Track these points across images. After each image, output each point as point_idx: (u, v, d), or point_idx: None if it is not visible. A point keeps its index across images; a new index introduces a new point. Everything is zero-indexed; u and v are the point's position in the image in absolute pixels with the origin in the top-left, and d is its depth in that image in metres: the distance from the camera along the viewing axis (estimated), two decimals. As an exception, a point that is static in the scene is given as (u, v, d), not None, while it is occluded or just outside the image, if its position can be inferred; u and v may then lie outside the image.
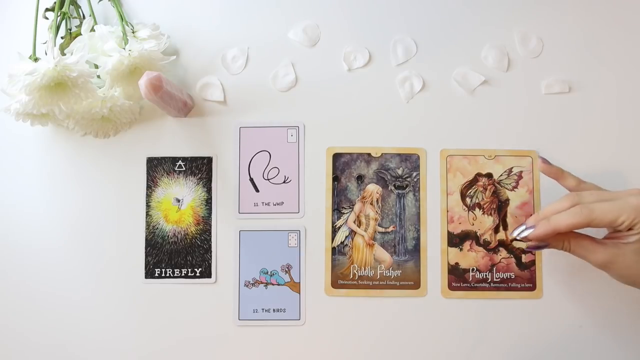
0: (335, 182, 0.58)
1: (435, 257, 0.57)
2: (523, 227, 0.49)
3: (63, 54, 0.55)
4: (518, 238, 0.49)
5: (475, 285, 0.57)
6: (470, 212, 0.58)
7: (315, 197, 0.58)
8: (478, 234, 0.57)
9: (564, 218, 0.47)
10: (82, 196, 0.59)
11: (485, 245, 0.57)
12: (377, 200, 0.58)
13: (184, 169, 0.59)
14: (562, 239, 0.49)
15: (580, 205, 0.47)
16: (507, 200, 0.58)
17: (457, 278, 0.57)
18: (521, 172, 0.58)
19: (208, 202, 0.58)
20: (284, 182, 0.58)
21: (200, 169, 0.59)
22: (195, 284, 0.57)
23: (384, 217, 0.58)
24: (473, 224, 0.58)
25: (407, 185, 0.58)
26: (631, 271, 0.48)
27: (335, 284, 0.57)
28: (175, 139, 0.59)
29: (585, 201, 0.47)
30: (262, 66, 0.60)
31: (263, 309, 0.57)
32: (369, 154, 0.59)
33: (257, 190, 0.58)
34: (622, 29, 0.60)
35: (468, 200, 0.58)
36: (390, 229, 0.58)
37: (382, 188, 0.58)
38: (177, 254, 0.58)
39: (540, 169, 0.53)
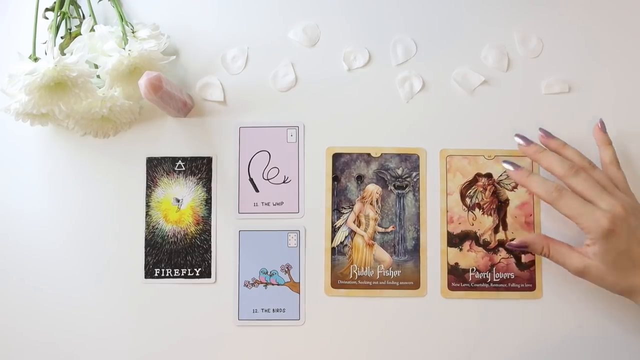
0: (335, 182, 0.58)
1: (435, 257, 0.57)
2: (510, 166, 0.52)
3: (63, 54, 0.55)
4: (505, 166, 0.53)
5: (475, 285, 0.57)
6: (470, 212, 0.58)
7: (315, 197, 0.58)
8: (478, 234, 0.57)
9: (536, 186, 0.50)
10: (82, 196, 0.59)
11: (485, 245, 0.57)
12: (377, 200, 0.58)
13: (184, 169, 0.59)
14: (542, 244, 0.51)
15: (556, 187, 0.49)
16: (507, 200, 0.58)
17: (457, 278, 0.57)
18: (521, 172, 0.58)
19: (208, 202, 0.58)
20: (283, 182, 0.58)
21: (200, 169, 0.59)
22: (195, 284, 0.57)
23: (384, 217, 0.58)
24: (473, 224, 0.58)
25: (406, 185, 0.58)
26: (606, 282, 0.49)
27: (335, 284, 0.57)
28: (175, 139, 0.59)
29: (572, 183, 0.49)
30: (262, 66, 0.60)
31: (263, 309, 0.57)
32: (368, 154, 0.59)
33: (257, 190, 0.58)
34: (623, 29, 0.60)
35: (468, 200, 0.58)
36: (390, 229, 0.58)
37: (382, 188, 0.58)
38: (177, 254, 0.58)
39: (595, 130, 0.55)
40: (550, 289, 0.57)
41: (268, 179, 0.59)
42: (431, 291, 0.57)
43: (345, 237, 0.58)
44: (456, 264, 0.57)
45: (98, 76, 0.55)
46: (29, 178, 0.59)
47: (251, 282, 0.57)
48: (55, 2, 0.58)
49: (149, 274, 0.58)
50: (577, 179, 0.49)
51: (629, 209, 0.48)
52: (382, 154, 0.59)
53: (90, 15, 0.57)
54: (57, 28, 0.57)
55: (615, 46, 0.60)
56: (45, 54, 0.53)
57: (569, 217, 0.49)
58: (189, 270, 0.57)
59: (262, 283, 0.57)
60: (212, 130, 0.59)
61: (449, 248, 0.57)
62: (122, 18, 0.56)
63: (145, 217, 0.58)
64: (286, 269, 0.57)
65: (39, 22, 0.56)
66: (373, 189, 0.58)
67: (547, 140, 0.54)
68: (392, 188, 0.58)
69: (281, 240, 0.58)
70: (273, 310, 0.57)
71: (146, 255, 0.58)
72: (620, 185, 0.52)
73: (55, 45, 0.54)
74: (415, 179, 0.58)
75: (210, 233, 0.58)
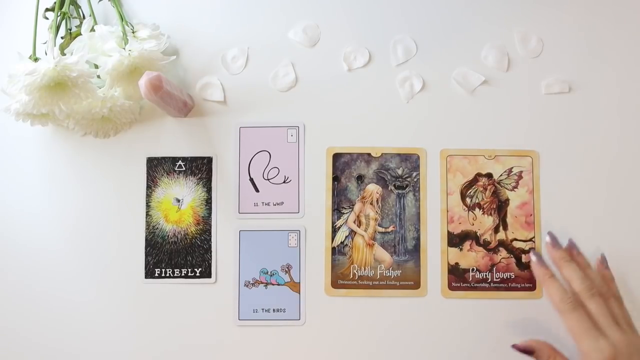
0: (335, 182, 0.58)
1: (435, 257, 0.57)
2: (535, 258, 0.53)
3: (63, 54, 0.55)
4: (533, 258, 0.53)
5: (475, 285, 0.57)
6: (470, 212, 0.58)
7: (315, 197, 0.58)
8: (478, 234, 0.57)
9: (554, 290, 0.50)
10: (82, 196, 0.59)
11: (485, 245, 0.57)
12: (377, 200, 0.58)
13: (184, 169, 0.59)
14: (548, 354, 0.51)
15: (573, 300, 0.49)
16: (507, 200, 0.58)
17: (457, 278, 0.57)
18: (521, 172, 0.58)
19: (208, 202, 0.58)
20: (284, 182, 0.58)
21: (200, 169, 0.59)
22: (195, 284, 0.57)
23: (384, 217, 0.58)
24: (473, 224, 0.58)
25: (407, 185, 0.58)
26: None
27: (335, 284, 0.57)
28: (175, 139, 0.59)
29: (587, 303, 0.49)
30: (262, 66, 0.60)
31: (263, 309, 0.57)
32: (369, 154, 0.59)
33: (257, 190, 0.58)
34: (623, 28, 0.60)
35: (468, 200, 0.58)
36: (390, 229, 0.58)
37: (382, 188, 0.58)
38: (177, 254, 0.58)
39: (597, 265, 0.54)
40: (551, 288, 0.57)
41: (268, 179, 0.59)
42: (431, 291, 0.57)
43: (346, 237, 0.58)
44: (456, 263, 0.57)
45: (98, 76, 0.55)
46: (29, 178, 0.59)
47: (251, 282, 0.57)
48: (55, 2, 0.58)
49: (149, 274, 0.58)
50: (593, 301, 0.49)
51: (633, 350, 0.47)
52: (382, 154, 0.59)
53: (90, 15, 0.57)
54: (57, 28, 0.57)
55: (615, 46, 0.60)
56: (46, 54, 0.53)
57: (572, 334, 0.48)
58: (189, 270, 0.57)
59: (262, 283, 0.57)
60: (212, 130, 0.59)
61: (449, 248, 0.57)
62: (122, 18, 0.56)
63: (146, 217, 0.58)
64: (286, 269, 0.57)
65: (39, 22, 0.56)
66: (373, 189, 0.58)
67: (572, 252, 0.54)
68: (393, 188, 0.58)
69: (281, 240, 0.58)
70: (273, 310, 0.57)
71: (146, 255, 0.58)
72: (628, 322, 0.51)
73: (55, 46, 0.54)
74: (415, 179, 0.58)
75: (210, 233, 0.58)
